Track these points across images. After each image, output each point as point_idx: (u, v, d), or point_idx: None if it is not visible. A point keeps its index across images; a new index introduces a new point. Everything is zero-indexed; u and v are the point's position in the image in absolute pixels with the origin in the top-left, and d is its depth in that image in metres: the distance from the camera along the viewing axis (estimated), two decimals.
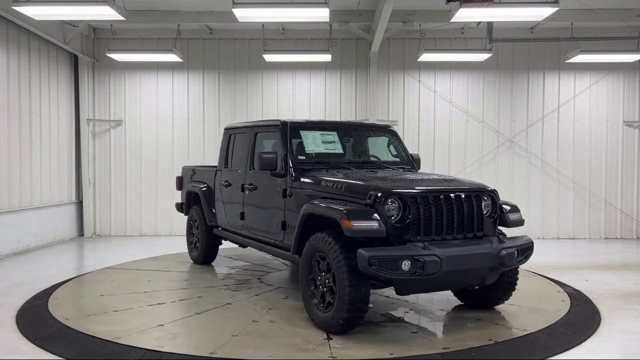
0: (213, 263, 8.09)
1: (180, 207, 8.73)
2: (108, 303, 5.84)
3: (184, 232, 8.64)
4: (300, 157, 5.90)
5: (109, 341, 4.65)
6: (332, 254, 4.70)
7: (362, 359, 4.33)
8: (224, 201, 7.23)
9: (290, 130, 6.05)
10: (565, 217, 11.36)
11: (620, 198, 11.40)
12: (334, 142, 6.38)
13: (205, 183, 7.82)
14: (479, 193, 5.13)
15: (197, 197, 8.01)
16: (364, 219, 4.59)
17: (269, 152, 5.84)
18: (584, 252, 9.84)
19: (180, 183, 8.73)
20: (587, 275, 7.65)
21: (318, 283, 5.03)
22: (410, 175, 5.66)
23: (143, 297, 6.12)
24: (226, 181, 7.15)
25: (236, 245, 7.45)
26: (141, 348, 4.48)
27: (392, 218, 4.69)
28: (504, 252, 4.87)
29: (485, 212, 5.11)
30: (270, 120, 6.85)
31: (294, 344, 4.63)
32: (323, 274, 4.94)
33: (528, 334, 4.93)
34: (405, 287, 4.81)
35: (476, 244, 4.93)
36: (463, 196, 4.99)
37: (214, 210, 7.57)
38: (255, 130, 6.71)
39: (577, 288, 6.79)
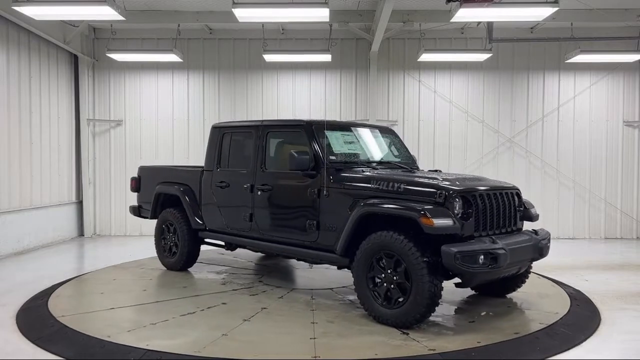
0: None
1: (137, 211, 8.17)
2: (131, 316, 5.43)
3: None
4: (331, 157, 5.86)
5: (109, 341, 4.65)
6: (407, 251, 4.82)
7: (457, 349, 4.50)
8: (220, 203, 6.89)
9: (318, 130, 6.01)
10: (565, 217, 11.37)
11: (620, 198, 11.40)
12: (354, 142, 6.47)
13: (185, 184, 7.35)
14: (512, 190, 5.57)
15: (172, 199, 7.52)
16: (442, 216, 4.79)
17: (301, 152, 5.77)
18: (584, 252, 9.85)
19: (137, 184, 8.10)
20: (587, 275, 7.65)
21: (378, 280, 5.13)
22: (452, 175, 5.87)
23: (161, 307, 5.73)
24: (222, 182, 6.83)
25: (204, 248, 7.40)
26: (141, 348, 4.47)
27: (457, 215, 4.92)
28: (541, 243, 5.41)
29: (518, 207, 5.57)
30: (289, 120, 6.84)
31: (380, 341, 4.69)
32: (389, 271, 5.03)
33: (528, 334, 4.93)
34: (472, 279, 5.14)
35: (521, 236, 5.38)
36: (505, 194, 5.42)
37: (200, 213, 7.15)
38: (267, 129, 6.49)
39: (577, 288, 6.79)
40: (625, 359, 4.61)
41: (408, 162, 6.65)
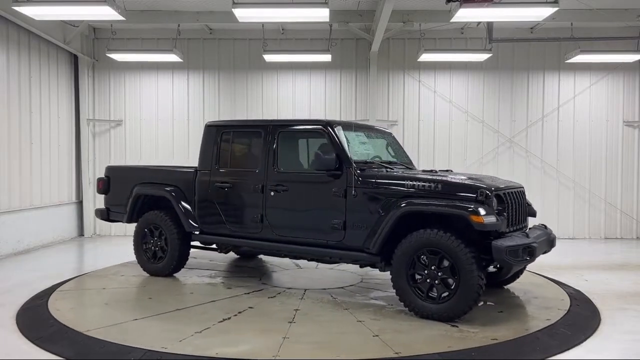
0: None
1: (105, 214, 7.68)
2: (166, 326, 5.09)
3: None
4: (353, 157, 5.88)
5: (109, 341, 4.64)
6: (455, 247, 5.02)
7: (514, 338, 4.80)
8: (221, 204, 6.63)
9: (339, 130, 6.03)
10: (565, 217, 11.36)
11: (620, 198, 11.39)
12: (366, 142, 6.53)
13: (174, 185, 7.00)
14: (521, 189, 5.95)
15: (154, 201, 7.22)
16: (489, 214, 5.05)
17: (327, 152, 5.77)
18: (584, 252, 9.85)
19: (107, 186, 7.63)
20: (587, 275, 7.65)
21: (418, 277, 5.30)
22: (473, 175, 6.15)
23: (186, 314, 5.49)
24: (224, 182, 6.60)
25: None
26: (141, 348, 4.47)
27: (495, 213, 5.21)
28: (551, 237, 5.88)
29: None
30: (306, 119, 6.88)
31: (440, 334, 4.85)
32: (432, 267, 5.20)
33: (528, 334, 4.94)
34: (509, 271, 5.74)
35: (538, 231, 5.80)
36: (519, 192, 5.78)
37: (194, 215, 6.83)
38: (279, 129, 6.36)
39: (577, 288, 6.80)
40: (625, 359, 4.61)
41: (409, 163, 6.78)
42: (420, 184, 5.38)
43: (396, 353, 4.39)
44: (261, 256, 8.46)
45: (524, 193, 5.91)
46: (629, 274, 7.82)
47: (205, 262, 8.20)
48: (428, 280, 5.25)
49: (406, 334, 4.88)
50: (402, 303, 5.46)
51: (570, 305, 5.90)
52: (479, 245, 5.12)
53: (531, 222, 6.17)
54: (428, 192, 5.33)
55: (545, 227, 6.08)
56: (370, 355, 4.36)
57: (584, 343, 4.83)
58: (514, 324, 5.20)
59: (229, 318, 5.35)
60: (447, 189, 5.27)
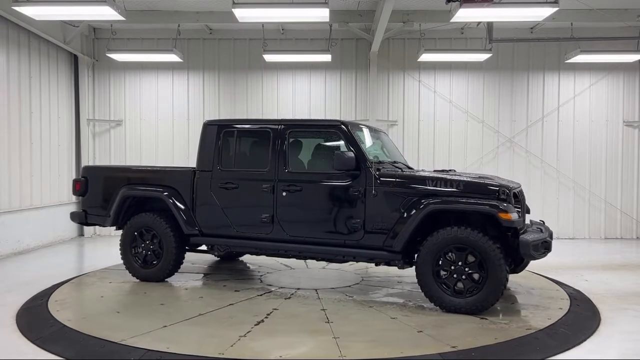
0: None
1: (83, 217, 7.22)
2: (206, 331, 4.92)
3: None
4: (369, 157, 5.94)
5: (109, 341, 4.64)
6: (483, 244, 5.24)
7: (543, 327, 5.07)
8: (225, 205, 6.45)
9: (354, 130, 6.06)
10: (565, 217, 11.36)
11: (620, 198, 11.39)
12: (374, 143, 6.58)
13: (169, 186, 6.72)
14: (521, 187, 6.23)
15: (142, 203, 6.95)
16: (513, 211, 5.29)
17: (346, 152, 5.77)
18: (583, 252, 9.85)
19: (84, 187, 7.20)
20: (587, 275, 7.65)
21: (444, 273, 5.48)
22: (481, 174, 6.50)
23: (213, 319, 5.32)
24: (228, 183, 6.43)
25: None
26: (141, 348, 4.47)
27: None
28: (550, 232, 6.08)
29: None
30: (320, 119, 6.90)
31: (477, 327, 5.02)
32: (459, 263, 5.39)
33: (528, 334, 4.93)
34: (526, 265, 6.36)
35: (541, 227, 6.12)
36: (522, 190, 6.14)
37: (193, 217, 6.60)
38: (290, 129, 6.28)
39: (577, 288, 6.79)
40: (625, 359, 4.61)
41: (405, 163, 6.83)
42: (442, 183, 5.56)
43: (452, 347, 4.49)
44: (242, 257, 8.36)
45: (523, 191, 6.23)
46: (629, 274, 7.82)
47: (189, 265, 7.76)
48: (455, 276, 5.41)
49: (446, 328, 5.00)
50: (419, 299, 5.65)
51: (570, 305, 5.90)
52: (497, 241, 5.33)
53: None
54: (449, 191, 5.50)
55: (544, 222, 6.35)
56: (430, 350, 4.46)
57: (584, 343, 4.83)
58: (536, 315, 5.47)
59: (262, 321, 5.24)
60: (469, 188, 5.48)
